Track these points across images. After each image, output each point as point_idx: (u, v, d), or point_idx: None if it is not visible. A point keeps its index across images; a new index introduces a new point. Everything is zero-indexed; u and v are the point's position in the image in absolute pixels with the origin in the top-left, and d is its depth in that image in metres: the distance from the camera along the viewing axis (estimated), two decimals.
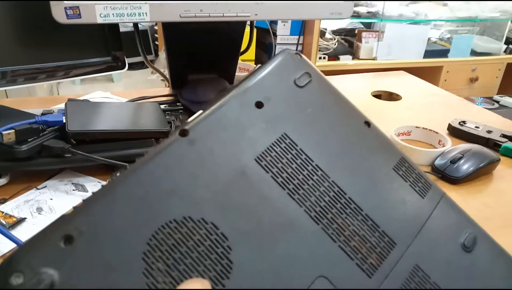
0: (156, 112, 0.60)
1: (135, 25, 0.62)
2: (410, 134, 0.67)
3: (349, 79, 0.98)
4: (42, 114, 0.53)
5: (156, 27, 2.70)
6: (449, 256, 0.26)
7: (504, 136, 0.66)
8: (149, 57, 0.72)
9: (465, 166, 0.55)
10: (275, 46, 1.96)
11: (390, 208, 0.26)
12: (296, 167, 0.25)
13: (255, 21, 0.68)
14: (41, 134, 0.50)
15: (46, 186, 0.50)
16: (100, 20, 0.52)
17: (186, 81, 0.72)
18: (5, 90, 1.02)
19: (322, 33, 2.00)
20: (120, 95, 0.79)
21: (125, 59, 0.64)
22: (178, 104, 0.71)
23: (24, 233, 0.42)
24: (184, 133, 0.24)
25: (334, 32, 2.12)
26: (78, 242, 0.20)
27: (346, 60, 2.03)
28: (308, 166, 0.26)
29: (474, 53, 2.21)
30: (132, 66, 2.63)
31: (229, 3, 0.56)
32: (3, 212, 0.45)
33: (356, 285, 0.24)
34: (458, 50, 2.15)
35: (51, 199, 0.48)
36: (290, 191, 0.25)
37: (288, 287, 0.23)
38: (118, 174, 0.23)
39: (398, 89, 0.91)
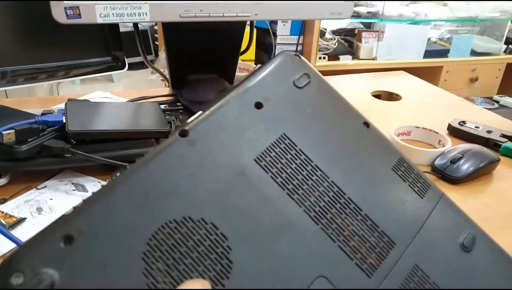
0: (156, 112, 0.60)
1: (135, 25, 0.62)
2: (410, 134, 0.67)
3: (349, 79, 0.98)
4: (42, 114, 0.53)
5: (156, 27, 2.70)
6: (448, 256, 0.27)
7: (504, 136, 0.66)
8: (149, 57, 0.72)
9: (465, 166, 0.55)
10: (275, 46, 1.96)
11: (389, 208, 0.26)
12: (295, 167, 0.25)
13: (255, 21, 0.68)
14: (41, 134, 0.50)
15: (46, 186, 0.50)
16: (100, 20, 0.52)
17: (186, 81, 0.72)
18: (5, 90, 1.02)
19: (322, 33, 2.00)
20: (120, 95, 0.79)
21: (125, 59, 0.64)
22: (178, 104, 0.71)
23: (24, 233, 0.42)
24: (184, 133, 0.24)
25: (334, 32, 2.12)
26: (78, 242, 0.20)
27: (346, 60, 2.03)
28: (307, 166, 0.26)
29: (474, 53, 2.21)
30: (132, 66, 2.63)
31: (229, 3, 0.56)
32: (3, 212, 0.45)
33: (356, 285, 0.24)
34: (458, 50, 2.15)
35: (51, 199, 0.48)
36: (289, 191, 0.25)
37: (288, 287, 0.23)
38: (118, 174, 0.23)
39: (398, 89, 0.91)
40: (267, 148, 0.25)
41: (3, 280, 0.19)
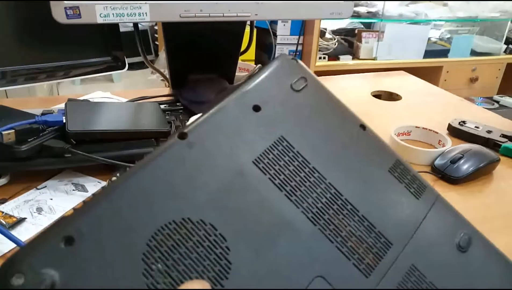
0: (156, 112, 0.60)
1: (135, 25, 0.62)
2: (410, 134, 0.67)
3: (349, 79, 0.99)
4: (42, 114, 0.53)
5: (156, 27, 2.70)
6: (444, 256, 0.27)
7: (504, 136, 0.66)
8: (149, 57, 0.72)
9: (465, 166, 0.55)
10: (275, 46, 1.96)
11: (386, 209, 0.27)
12: (293, 169, 0.26)
13: (255, 21, 0.68)
14: (41, 134, 0.50)
15: (46, 186, 0.50)
16: (100, 20, 0.52)
17: (186, 81, 0.72)
18: (5, 90, 1.02)
19: (322, 33, 2.00)
20: (120, 95, 0.79)
21: (125, 59, 0.64)
22: (178, 104, 0.71)
23: (24, 233, 0.42)
24: (183, 136, 0.24)
25: (334, 32, 2.12)
26: (78, 243, 0.20)
27: (346, 60, 2.03)
28: (305, 168, 0.26)
29: (474, 53, 2.21)
30: (132, 66, 2.63)
31: (229, 3, 0.56)
32: (3, 212, 0.45)
33: (354, 285, 0.24)
34: (458, 50, 2.15)
35: (51, 199, 0.48)
36: (287, 193, 0.25)
37: (286, 287, 0.23)
38: (118, 174, 0.23)
39: (398, 89, 0.91)
40: (265, 150, 0.25)
41: (4, 281, 0.19)
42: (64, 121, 0.51)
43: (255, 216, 0.24)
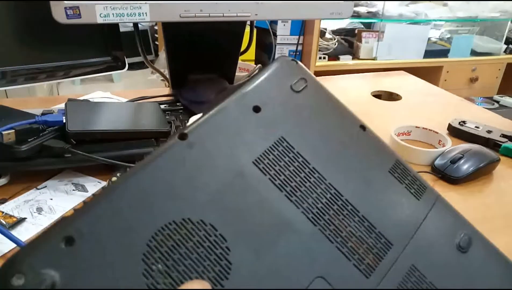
0: (156, 112, 0.60)
1: (135, 25, 0.62)
2: (410, 134, 0.67)
3: (349, 79, 0.99)
4: (42, 114, 0.53)
5: (156, 27, 2.70)
6: (444, 256, 0.27)
7: (504, 136, 0.66)
8: (149, 57, 0.72)
9: (465, 166, 0.55)
10: (275, 46, 1.96)
11: (386, 210, 0.27)
12: (293, 170, 0.26)
13: (255, 21, 0.68)
14: (41, 134, 0.50)
15: (46, 186, 0.50)
16: (100, 20, 0.52)
17: (186, 81, 0.72)
18: (5, 90, 1.02)
19: (322, 33, 2.00)
20: (120, 95, 0.79)
21: (125, 59, 0.64)
22: (178, 104, 0.71)
23: (24, 233, 0.42)
24: (183, 136, 0.24)
25: (334, 32, 2.12)
26: (78, 243, 0.21)
27: (346, 60, 2.03)
28: (305, 168, 0.26)
29: (474, 53, 2.21)
30: (132, 66, 2.63)
31: (229, 3, 0.56)
32: (3, 212, 0.45)
33: (354, 285, 0.24)
34: (458, 50, 2.15)
35: (51, 199, 0.48)
36: (287, 193, 0.25)
37: (287, 287, 0.23)
38: (118, 174, 0.23)
39: (398, 89, 0.91)
40: (265, 151, 0.25)
41: (5, 281, 0.19)
42: (64, 121, 0.51)
43: (255, 216, 0.24)
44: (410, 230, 0.27)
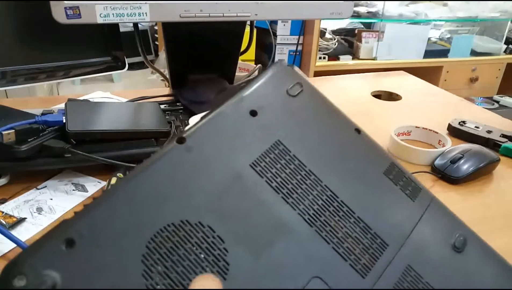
0: (156, 112, 0.60)
1: (135, 25, 0.62)
2: (410, 134, 0.67)
3: (349, 79, 0.99)
4: (42, 114, 0.53)
5: (156, 27, 2.70)
6: (440, 256, 0.27)
7: (504, 136, 0.66)
8: (149, 57, 0.72)
9: (465, 166, 0.55)
10: (275, 46, 1.96)
11: (382, 211, 0.27)
12: (289, 172, 0.26)
13: (255, 21, 0.68)
14: (41, 134, 0.50)
15: (46, 186, 0.50)
16: (100, 20, 0.52)
17: (186, 81, 0.72)
18: (5, 90, 1.02)
19: (322, 33, 2.00)
20: (120, 95, 0.79)
21: (125, 59, 0.64)
22: (178, 104, 0.71)
23: (24, 233, 0.42)
24: (181, 140, 0.25)
25: (334, 32, 2.12)
26: (79, 245, 0.21)
27: (346, 60, 2.03)
28: (301, 171, 0.27)
29: (474, 53, 2.21)
30: (132, 66, 2.63)
31: (229, 3, 0.56)
32: (3, 212, 0.45)
33: (350, 285, 0.24)
34: (458, 50, 2.16)
35: (51, 199, 0.48)
36: (284, 195, 0.25)
37: (284, 287, 0.23)
38: (118, 174, 0.24)
39: (398, 89, 0.91)
40: (262, 154, 0.26)
41: (7, 282, 0.19)
42: (64, 121, 0.51)
43: (252, 218, 0.24)
44: (406, 230, 0.27)
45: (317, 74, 1.95)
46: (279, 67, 0.29)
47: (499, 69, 2.24)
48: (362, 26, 2.14)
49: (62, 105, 0.64)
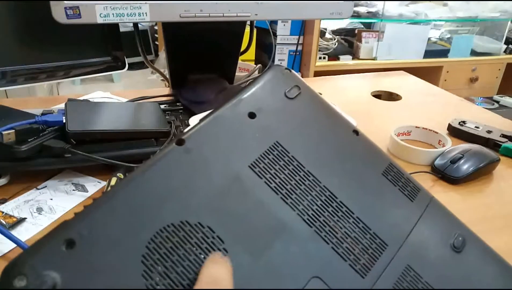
0: (156, 112, 0.60)
1: (135, 25, 0.62)
2: (410, 134, 0.67)
3: (349, 79, 0.99)
4: (42, 114, 0.53)
5: (156, 27, 2.70)
6: (439, 256, 0.27)
7: (504, 136, 0.66)
8: (149, 57, 0.72)
9: (465, 166, 0.55)
10: (275, 46, 1.96)
11: (381, 211, 0.27)
12: (288, 173, 0.26)
13: (255, 21, 0.68)
14: (41, 134, 0.50)
15: (46, 186, 0.50)
16: (100, 20, 0.52)
17: (186, 81, 0.72)
18: (5, 90, 1.02)
19: (322, 33, 2.00)
20: (120, 95, 0.79)
21: (125, 59, 0.64)
22: (178, 104, 0.71)
23: (24, 233, 0.42)
24: (180, 142, 0.25)
25: (334, 32, 2.12)
26: (79, 246, 0.21)
27: (346, 60, 2.03)
28: (300, 172, 0.27)
29: (474, 53, 2.21)
30: (132, 66, 2.63)
31: (229, 3, 0.56)
32: (3, 212, 0.45)
33: (350, 285, 0.25)
34: (458, 50, 2.15)
35: (51, 199, 0.48)
36: (283, 196, 0.26)
37: (283, 287, 0.23)
38: (118, 174, 0.24)
39: (398, 89, 0.91)
40: (261, 155, 0.26)
41: (7, 282, 0.20)
42: (64, 121, 0.51)
43: (252, 218, 0.24)
44: (405, 231, 0.27)
45: (317, 74, 1.95)
46: (277, 70, 0.30)
47: (499, 69, 2.24)
48: (362, 26, 2.14)
49: (62, 105, 0.64)
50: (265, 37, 1.92)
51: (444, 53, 2.16)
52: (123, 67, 0.65)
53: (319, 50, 1.98)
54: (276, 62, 2.00)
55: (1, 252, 0.40)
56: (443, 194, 0.54)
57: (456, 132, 0.69)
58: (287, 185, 0.26)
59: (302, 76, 1.87)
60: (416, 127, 0.67)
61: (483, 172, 0.57)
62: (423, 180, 0.56)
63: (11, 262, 0.20)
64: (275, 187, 0.26)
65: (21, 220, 0.44)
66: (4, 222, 0.43)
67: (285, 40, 1.97)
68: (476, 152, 0.58)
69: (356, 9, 2.01)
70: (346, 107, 0.66)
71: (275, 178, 0.26)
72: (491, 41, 2.27)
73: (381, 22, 2.05)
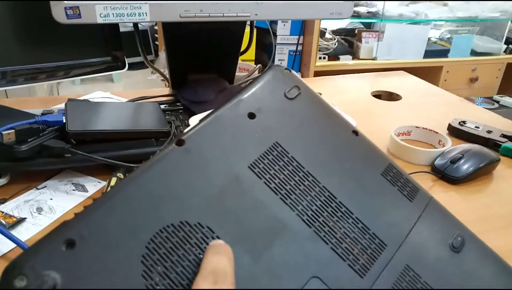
0: (156, 112, 0.60)
1: (135, 25, 0.62)
2: (410, 134, 0.67)
3: (349, 79, 0.99)
4: (42, 114, 0.53)
5: (156, 27, 2.70)
6: (438, 256, 0.27)
7: (504, 136, 0.66)
8: (149, 57, 0.72)
9: (465, 166, 0.55)
10: (275, 46, 1.96)
11: (380, 212, 0.27)
12: (288, 174, 0.26)
13: (255, 21, 0.68)
14: (41, 134, 0.50)
15: (46, 186, 0.50)
16: (100, 20, 0.52)
17: (186, 81, 0.72)
18: (5, 90, 1.02)
19: (322, 33, 2.00)
20: (120, 95, 0.79)
21: (125, 59, 0.64)
22: (178, 104, 0.71)
23: (24, 233, 0.42)
24: (180, 143, 0.25)
25: (334, 32, 2.12)
26: (79, 246, 0.21)
27: (346, 60, 2.03)
28: (299, 172, 0.27)
29: (474, 53, 2.21)
30: (132, 66, 2.63)
31: (229, 3, 0.56)
32: (3, 212, 0.45)
33: (349, 285, 0.25)
34: (458, 50, 2.15)
35: (51, 199, 0.48)
36: (282, 196, 0.26)
37: (283, 287, 0.23)
38: (118, 174, 0.24)
39: (398, 89, 0.91)
40: (260, 156, 0.26)
41: (8, 282, 0.20)
42: (64, 121, 0.51)
43: (251, 218, 0.24)
44: (404, 231, 0.27)
45: (317, 74, 1.95)
46: (276, 70, 0.30)
47: (499, 69, 2.24)
48: (362, 26, 2.14)
49: (62, 105, 0.64)
50: (265, 37, 1.92)
51: (444, 53, 2.16)
52: (123, 67, 0.65)
53: (319, 50, 1.98)
54: (276, 62, 2.00)
55: (1, 252, 0.40)
56: (443, 194, 0.54)
57: (456, 132, 0.69)
58: (286, 185, 0.26)
59: (302, 76, 1.87)
60: (416, 127, 0.67)
61: (483, 172, 0.57)
62: (423, 180, 0.56)
63: (11, 262, 0.20)
64: (274, 187, 0.26)
65: (21, 220, 0.44)
66: (4, 222, 0.43)
67: (285, 40, 1.97)
68: (476, 152, 0.58)
69: (356, 9, 2.01)
70: (346, 107, 0.65)
71: (275, 179, 0.26)
72: (491, 41, 2.27)
73: (381, 22, 2.05)
